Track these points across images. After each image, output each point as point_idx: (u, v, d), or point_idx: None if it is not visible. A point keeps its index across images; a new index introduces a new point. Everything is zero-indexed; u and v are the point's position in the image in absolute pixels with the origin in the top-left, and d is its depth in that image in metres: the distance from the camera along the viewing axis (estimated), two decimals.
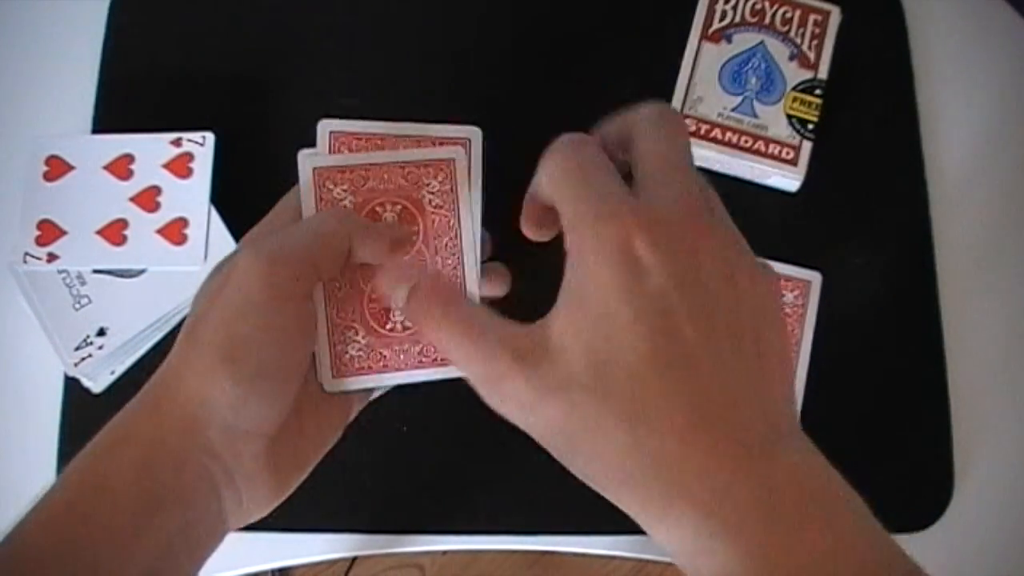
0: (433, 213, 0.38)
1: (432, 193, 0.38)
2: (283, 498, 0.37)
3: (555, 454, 0.31)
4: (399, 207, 0.38)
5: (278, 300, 0.34)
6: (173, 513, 0.33)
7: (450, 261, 0.38)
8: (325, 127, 0.38)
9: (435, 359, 0.38)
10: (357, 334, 0.37)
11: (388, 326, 0.38)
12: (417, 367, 0.38)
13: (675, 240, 0.30)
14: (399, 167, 0.38)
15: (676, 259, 0.29)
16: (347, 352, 0.37)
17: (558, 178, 0.32)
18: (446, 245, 0.38)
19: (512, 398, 0.31)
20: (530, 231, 0.36)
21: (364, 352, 0.37)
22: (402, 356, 0.38)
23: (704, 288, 0.30)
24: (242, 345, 0.33)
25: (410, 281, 0.35)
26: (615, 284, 0.29)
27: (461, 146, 0.39)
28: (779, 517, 0.28)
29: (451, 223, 0.38)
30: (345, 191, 0.38)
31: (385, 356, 0.38)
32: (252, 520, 0.36)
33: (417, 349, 0.38)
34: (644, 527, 0.30)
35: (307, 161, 0.38)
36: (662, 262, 0.29)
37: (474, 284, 0.38)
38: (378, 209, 0.38)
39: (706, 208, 0.32)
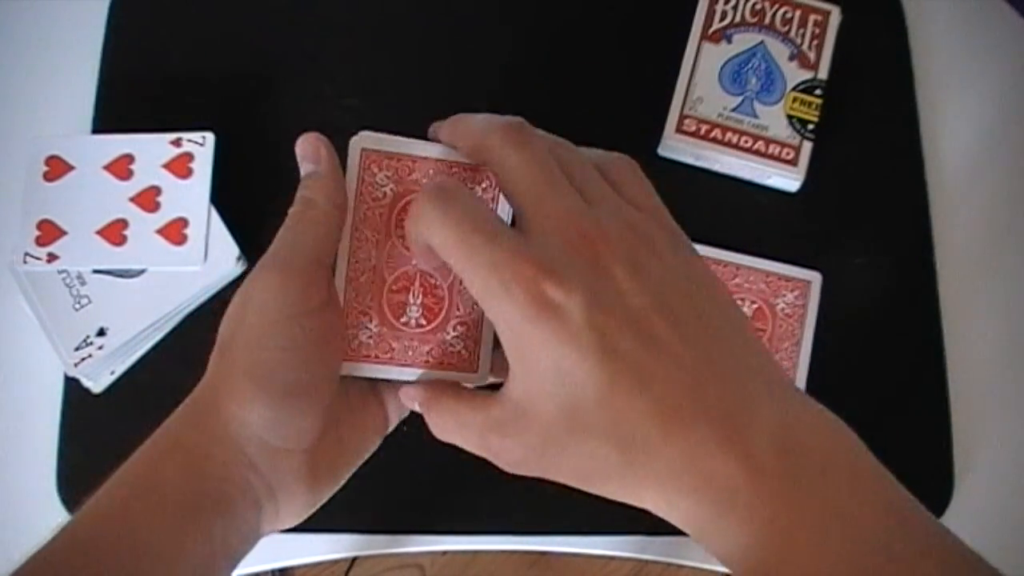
0: None
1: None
2: (316, 507, 0.37)
3: (574, 486, 0.33)
4: None
5: (296, 317, 0.34)
6: (217, 521, 0.33)
7: None
8: (359, 142, 0.38)
9: (441, 362, 0.38)
10: (371, 321, 0.37)
11: (403, 319, 0.38)
12: (422, 366, 0.38)
13: (575, 265, 0.31)
14: (446, 165, 0.38)
15: (584, 282, 0.30)
16: (357, 337, 0.37)
17: (443, 246, 0.33)
18: None
19: (520, 463, 0.33)
20: (428, 265, 0.37)
21: (374, 340, 0.37)
22: (410, 352, 0.38)
23: (621, 294, 0.31)
24: (268, 368, 0.34)
25: (420, 394, 0.37)
26: (547, 337, 0.30)
27: None
28: (766, 487, 0.29)
29: None
30: (388, 177, 0.38)
31: (394, 348, 0.38)
32: (284, 527, 0.37)
33: (426, 349, 0.38)
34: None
35: (357, 143, 0.38)
36: (574, 294, 0.30)
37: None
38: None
39: (588, 214, 0.32)
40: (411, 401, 0.37)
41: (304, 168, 0.37)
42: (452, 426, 0.35)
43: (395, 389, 0.39)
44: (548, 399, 0.31)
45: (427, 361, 0.38)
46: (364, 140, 0.38)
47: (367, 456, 0.39)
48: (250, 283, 0.35)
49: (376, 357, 0.37)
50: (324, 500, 0.37)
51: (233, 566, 0.35)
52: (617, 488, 0.32)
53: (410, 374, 0.38)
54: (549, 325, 0.30)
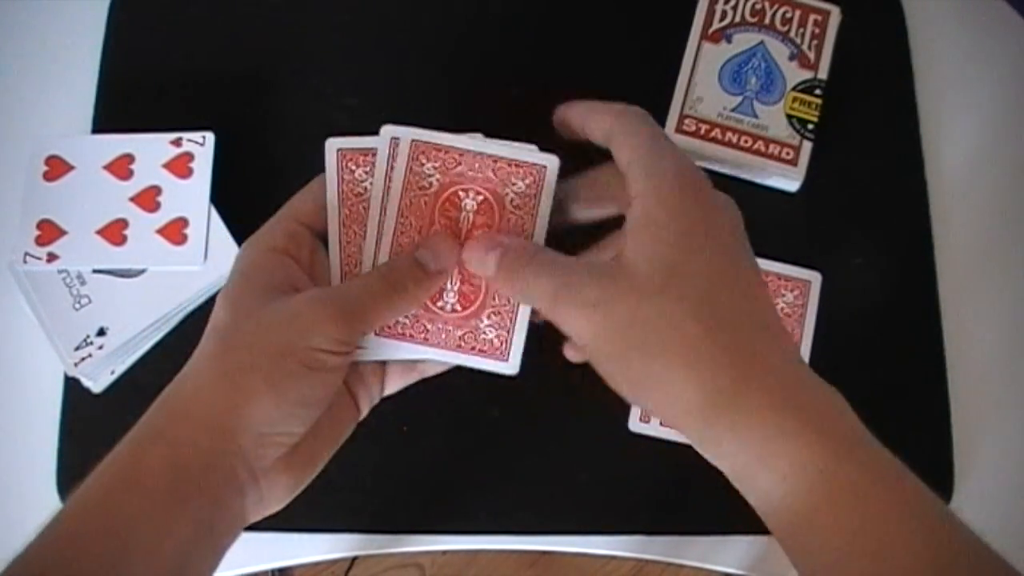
0: (511, 213, 0.39)
1: (516, 193, 0.40)
2: (298, 492, 0.38)
3: (607, 358, 0.34)
4: (481, 198, 0.40)
5: (331, 354, 0.36)
6: (201, 509, 0.34)
7: None
8: (408, 134, 0.40)
9: (473, 347, 0.39)
10: None
11: (439, 303, 0.39)
12: (454, 349, 0.39)
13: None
14: (491, 159, 0.40)
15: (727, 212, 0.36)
16: None
17: (635, 135, 0.36)
18: None
19: (584, 302, 0.34)
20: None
21: (410, 320, 0.39)
22: (444, 336, 0.39)
23: (738, 247, 0.36)
24: (288, 379, 0.35)
25: (499, 248, 0.38)
26: (692, 207, 0.34)
27: (556, 156, 0.40)
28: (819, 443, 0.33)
29: (525, 227, 0.40)
30: (435, 168, 0.39)
31: (428, 330, 0.39)
32: (269, 513, 0.38)
33: (459, 333, 0.39)
34: (700, 438, 0.34)
35: (408, 134, 0.40)
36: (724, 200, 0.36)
37: None
38: (460, 193, 0.39)
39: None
40: (481, 254, 0.38)
41: (427, 260, 0.38)
42: (550, 271, 0.36)
43: (365, 381, 0.41)
44: (658, 260, 0.34)
45: (459, 345, 0.39)
46: (413, 133, 0.40)
47: (342, 442, 0.40)
48: (300, 308, 0.36)
49: (411, 336, 0.39)
50: (305, 484, 0.39)
51: (221, 553, 0.36)
52: (675, 370, 0.33)
53: (442, 356, 0.39)
54: (700, 200, 0.35)
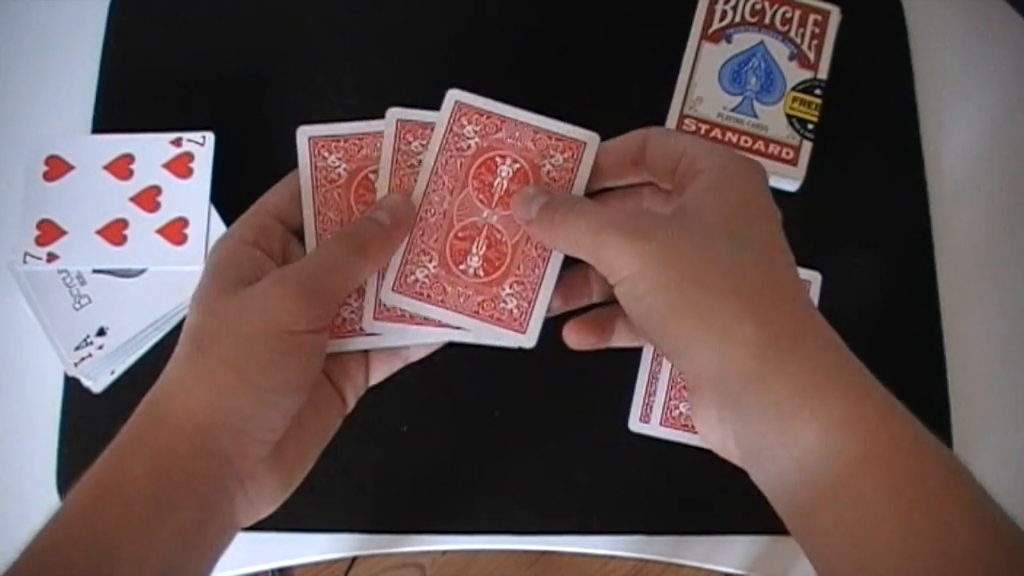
0: (545, 184, 0.39)
1: (553, 166, 0.40)
2: (289, 493, 0.38)
3: (656, 287, 0.33)
4: (517, 165, 0.40)
5: (303, 334, 0.35)
6: (186, 515, 0.34)
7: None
8: (451, 97, 0.40)
9: (491, 315, 0.38)
10: (431, 261, 0.39)
11: (461, 266, 0.39)
12: (471, 315, 0.38)
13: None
14: (532, 130, 0.40)
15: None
16: (414, 274, 0.39)
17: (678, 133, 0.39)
18: None
19: (636, 229, 0.34)
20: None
21: (429, 280, 0.39)
22: (462, 300, 0.39)
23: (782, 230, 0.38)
24: (262, 369, 0.35)
25: (545, 196, 0.38)
26: (753, 183, 0.36)
27: (598, 135, 0.40)
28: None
29: None
30: (475, 131, 0.40)
31: (447, 292, 0.39)
32: (261, 516, 0.37)
33: (478, 299, 0.39)
34: (745, 381, 0.33)
35: (452, 96, 0.40)
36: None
37: (555, 270, 0.39)
38: (497, 159, 0.40)
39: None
40: (527, 199, 0.38)
41: (383, 218, 0.39)
42: (596, 214, 0.36)
43: (349, 372, 0.40)
44: (718, 211, 0.34)
45: (477, 312, 0.38)
46: (458, 95, 0.40)
47: (330, 438, 0.40)
48: (262, 293, 0.35)
49: (428, 297, 0.39)
50: (296, 484, 0.38)
51: (213, 558, 0.36)
52: (725, 311, 0.33)
53: (457, 320, 0.38)
54: (763, 178, 0.37)
